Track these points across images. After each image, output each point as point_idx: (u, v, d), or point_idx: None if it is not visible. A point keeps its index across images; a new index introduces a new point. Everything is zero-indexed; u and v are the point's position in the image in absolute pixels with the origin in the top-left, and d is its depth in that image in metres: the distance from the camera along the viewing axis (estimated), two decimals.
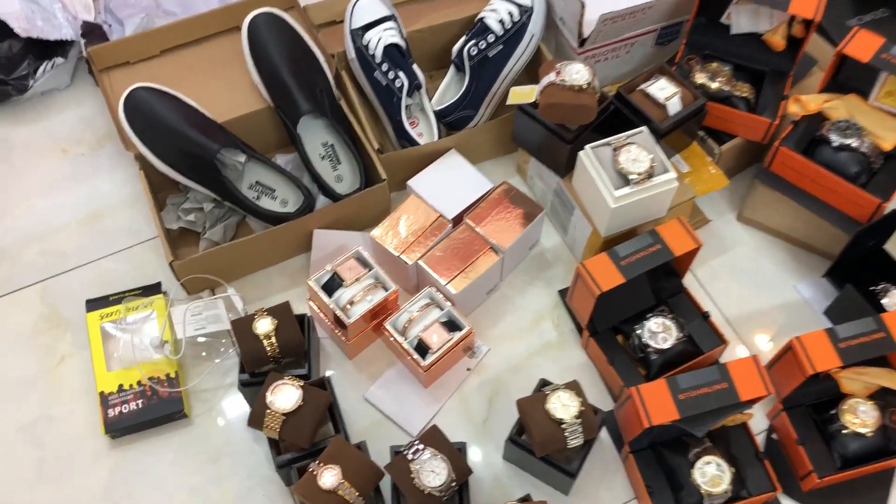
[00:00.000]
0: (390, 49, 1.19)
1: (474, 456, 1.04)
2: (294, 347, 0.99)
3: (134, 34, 1.26)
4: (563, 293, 1.15)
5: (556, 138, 1.07)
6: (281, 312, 1.00)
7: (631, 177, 1.01)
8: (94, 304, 1.11)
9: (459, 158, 1.19)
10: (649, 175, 1.01)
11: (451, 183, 1.17)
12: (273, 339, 0.97)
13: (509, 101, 1.09)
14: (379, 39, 1.19)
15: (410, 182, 1.17)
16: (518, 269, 1.18)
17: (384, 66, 1.19)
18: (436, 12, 1.30)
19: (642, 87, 1.09)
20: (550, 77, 1.04)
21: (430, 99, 1.22)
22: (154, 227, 1.20)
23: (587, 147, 1.04)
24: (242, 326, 0.99)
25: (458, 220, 1.13)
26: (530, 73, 1.26)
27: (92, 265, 1.18)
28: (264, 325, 0.98)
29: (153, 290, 1.13)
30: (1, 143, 1.29)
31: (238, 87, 1.21)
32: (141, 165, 1.15)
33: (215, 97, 1.19)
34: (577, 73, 1.03)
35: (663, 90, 1.08)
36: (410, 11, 1.29)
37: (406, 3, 1.32)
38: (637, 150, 1.02)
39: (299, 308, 1.05)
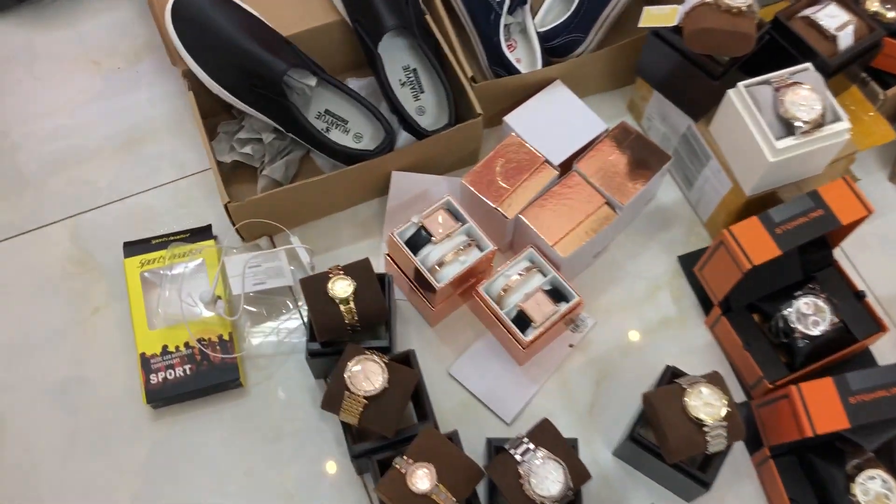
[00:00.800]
0: None
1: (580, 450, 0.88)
2: (375, 314, 0.82)
3: None
4: (683, 259, 0.98)
5: (700, 72, 0.87)
6: (360, 272, 0.83)
7: (797, 124, 0.82)
8: (133, 248, 0.95)
9: (566, 92, 1.00)
10: (819, 124, 0.82)
11: (556, 121, 0.98)
12: (352, 305, 0.81)
13: (642, 24, 0.89)
14: None
15: (507, 118, 0.98)
16: (630, 229, 1.00)
17: None
18: None
19: (806, 12, 0.89)
20: None
21: (535, 15, 1.03)
22: (204, 159, 1.02)
23: (740, 85, 0.84)
24: (314, 287, 0.82)
25: (565, 167, 0.95)
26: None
27: (129, 201, 1.01)
28: (342, 288, 0.81)
29: (203, 234, 0.96)
30: (22, 50, 1.11)
31: None
32: (189, 85, 0.97)
33: (280, 5, 1.00)
34: None
35: (834, 18, 0.88)
36: None
37: None
38: (807, 93, 0.82)
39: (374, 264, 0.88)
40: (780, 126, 0.83)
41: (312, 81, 0.94)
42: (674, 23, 0.86)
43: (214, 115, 1.02)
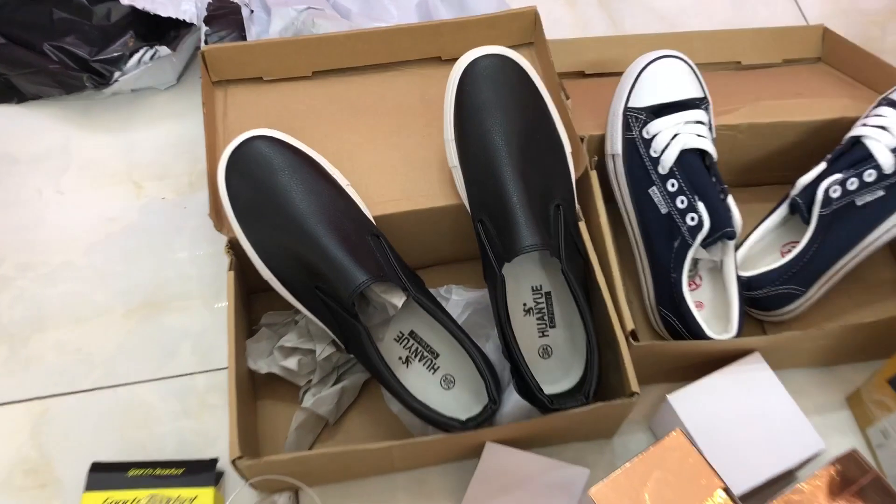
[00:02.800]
0: (690, 158, 0.68)
1: None
2: None
3: (279, 39, 0.80)
4: None
5: None
6: None
7: None
8: (100, 477, 0.66)
9: (767, 374, 0.67)
10: None
11: (746, 418, 0.65)
12: None
13: None
14: (674, 137, 0.68)
15: (673, 398, 0.66)
16: None
17: (672, 184, 0.68)
18: (764, 99, 0.78)
19: None
20: None
21: (738, 248, 0.71)
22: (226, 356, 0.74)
23: None
24: None
25: (749, 498, 0.61)
26: None
27: (123, 390, 0.73)
28: None
29: (203, 472, 0.67)
30: (53, 152, 0.86)
31: (418, 161, 0.73)
32: (233, 261, 0.69)
33: (378, 168, 0.72)
34: None
35: None
36: (718, 85, 0.78)
37: (710, 67, 0.81)
38: None
39: None
40: None
41: (399, 300, 0.64)
42: None
43: (266, 291, 0.74)
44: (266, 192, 0.64)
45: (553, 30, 0.83)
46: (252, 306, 0.75)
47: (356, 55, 0.78)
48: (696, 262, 0.71)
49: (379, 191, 0.71)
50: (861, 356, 0.72)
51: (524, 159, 0.65)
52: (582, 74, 0.87)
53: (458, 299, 0.72)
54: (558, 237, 0.65)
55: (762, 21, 0.97)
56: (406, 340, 0.68)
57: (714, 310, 0.71)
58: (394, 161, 0.73)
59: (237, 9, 0.88)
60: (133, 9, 0.89)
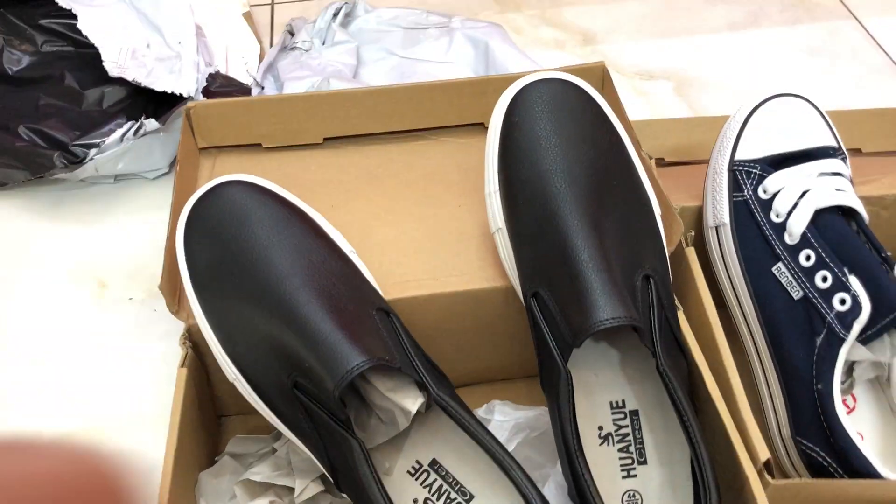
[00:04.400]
0: (830, 219, 0.49)
1: None
2: None
3: (283, 95, 0.66)
4: None
5: None
6: None
7: None
8: None
9: None
10: None
11: None
12: None
13: None
14: (804, 193, 0.49)
15: None
16: None
17: (807, 256, 0.48)
18: None
19: None
20: None
21: None
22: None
23: None
24: None
25: None
26: None
27: None
28: None
29: None
30: (11, 244, 0.70)
31: (450, 235, 0.55)
32: (192, 350, 0.50)
33: (396, 243, 0.54)
34: None
35: None
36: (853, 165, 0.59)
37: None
38: None
39: None
40: None
41: (414, 404, 0.43)
42: None
43: (245, 413, 0.54)
44: (234, 251, 0.46)
45: None
46: (223, 432, 0.55)
47: (379, 118, 0.62)
48: (850, 368, 0.49)
49: (396, 269, 0.52)
50: None
51: (598, 208, 0.46)
52: (661, 162, 0.70)
53: (504, 420, 0.50)
54: (650, 318, 0.45)
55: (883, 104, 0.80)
56: (425, 474, 0.46)
57: (880, 443, 0.48)
58: (418, 235, 0.55)
59: (245, 89, 0.75)
60: (129, 93, 0.77)
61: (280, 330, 0.42)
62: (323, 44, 0.82)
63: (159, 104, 0.74)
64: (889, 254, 0.48)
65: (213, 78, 0.73)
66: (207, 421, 0.52)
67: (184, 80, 0.72)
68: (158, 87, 0.72)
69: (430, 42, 0.82)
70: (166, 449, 0.44)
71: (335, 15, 0.84)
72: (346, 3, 0.85)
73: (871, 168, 0.62)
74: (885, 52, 0.84)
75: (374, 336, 0.42)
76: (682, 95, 0.81)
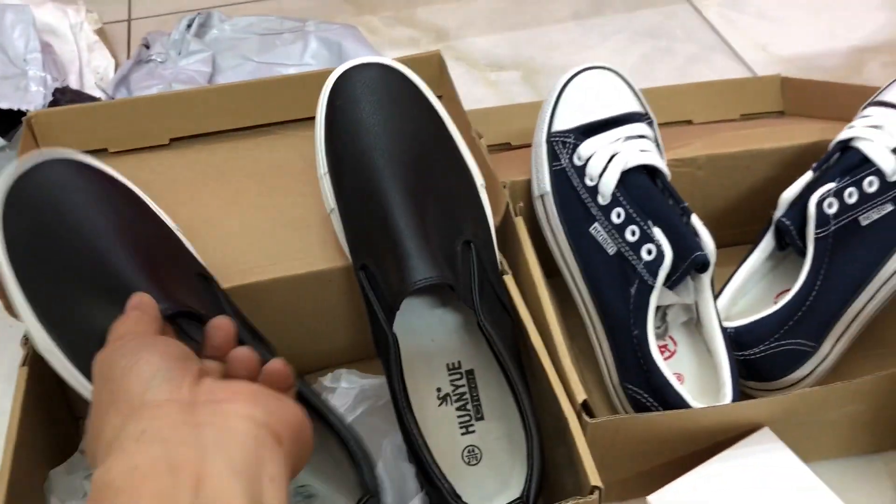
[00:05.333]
0: (636, 178, 0.53)
1: None
2: None
3: (126, 99, 0.67)
4: None
5: None
6: None
7: None
8: None
9: (782, 453, 0.47)
10: None
11: None
12: None
13: None
14: (612, 157, 0.53)
15: (657, 499, 0.46)
16: None
17: (617, 214, 0.52)
18: (722, 132, 0.64)
19: None
20: None
21: (716, 300, 0.53)
22: None
23: None
24: None
25: None
26: None
27: None
28: None
29: None
30: None
31: (294, 221, 0.57)
32: (33, 350, 0.50)
33: (240, 234, 0.56)
34: None
35: None
36: (666, 137, 0.63)
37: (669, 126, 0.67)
38: None
39: None
40: None
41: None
42: None
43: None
44: (51, 221, 0.46)
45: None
46: (84, 433, 0.56)
47: (225, 115, 0.64)
48: (664, 313, 0.53)
49: (239, 258, 0.54)
50: None
51: (417, 182, 0.48)
52: (508, 147, 0.73)
53: (349, 388, 0.52)
54: (470, 279, 0.47)
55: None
56: None
57: (700, 381, 0.52)
58: (261, 223, 0.57)
59: (87, 97, 0.76)
60: None
61: (96, 289, 0.43)
62: (178, 55, 0.83)
63: (5, 121, 0.73)
64: (686, 204, 0.52)
65: (62, 93, 0.73)
66: (59, 421, 0.53)
67: (30, 97, 0.72)
68: (4, 105, 0.72)
69: (286, 46, 0.84)
70: (4, 447, 0.45)
71: (189, 26, 0.85)
72: (199, 14, 0.86)
73: (692, 135, 0.66)
74: (717, 32, 0.90)
75: (191, 296, 0.44)
76: (531, 83, 0.85)
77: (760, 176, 0.62)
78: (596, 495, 0.42)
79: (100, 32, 0.86)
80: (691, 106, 0.75)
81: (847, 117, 0.67)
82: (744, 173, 0.62)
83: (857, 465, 0.53)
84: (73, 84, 0.79)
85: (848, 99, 0.67)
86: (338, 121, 0.51)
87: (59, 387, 0.53)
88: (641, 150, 0.53)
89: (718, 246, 0.52)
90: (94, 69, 0.82)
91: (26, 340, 0.50)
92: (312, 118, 0.65)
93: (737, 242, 0.63)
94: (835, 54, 0.86)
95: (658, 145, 0.56)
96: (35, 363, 0.49)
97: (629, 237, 0.51)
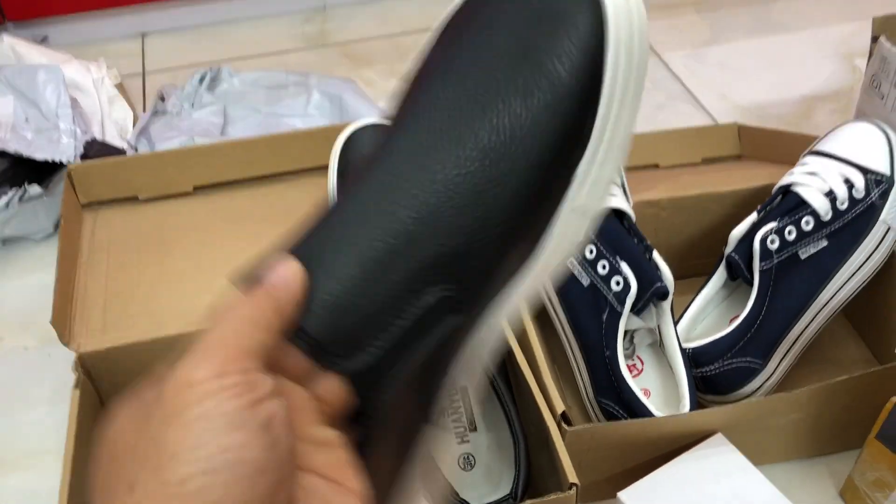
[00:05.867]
0: (606, 221, 0.61)
1: None
2: None
3: (154, 152, 0.75)
4: None
5: None
6: None
7: None
8: None
9: (734, 457, 0.55)
10: None
11: None
12: None
13: None
14: None
15: (627, 496, 0.53)
16: None
17: (590, 250, 0.60)
18: (685, 176, 0.72)
19: None
20: None
21: (676, 324, 0.61)
22: None
23: None
24: None
25: None
26: (887, 299, 0.64)
27: None
28: None
29: None
30: None
31: None
32: (84, 374, 0.57)
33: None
34: None
35: None
36: (634, 182, 0.72)
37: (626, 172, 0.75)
38: None
39: None
40: None
41: None
42: None
43: None
44: None
45: None
46: None
47: (243, 166, 0.72)
48: (631, 337, 0.61)
49: None
50: (847, 437, 0.61)
51: None
52: None
53: None
54: None
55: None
56: None
57: (664, 395, 0.60)
58: None
59: (121, 152, 0.83)
60: (12, 164, 0.83)
61: None
62: (192, 107, 0.91)
63: (41, 171, 0.81)
64: (649, 242, 0.60)
65: (91, 145, 0.81)
66: None
67: (62, 148, 0.80)
68: (39, 157, 0.79)
69: (291, 99, 0.92)
70: (63, 461, 0.52)
71: (201, 80, 0.93)
72: (210, 69, 0.94)
73: (657, 179, 0.75)
74: (681, 81, 1.00)
75: None
76: None
77: (718, 214, 0.70)
78: (573, 491, 0.49)
79: (119, 86, 0.94)
80: (658, 151, 0.84)
81: (794, 161, 0.75)
82: (702, 213, 0.70)
83: (801, 467, 0.61)
84: (97, 135, 0.87)
85: (795, 145, 0.76)
86: (347, 173, 0.59)
87: (103, 407, 0.60)
88: (610, 195, 0.61)
89: (679, 277, 0.61)
90: (114, 121, 0.90)
91: (79, 365, 0.57)
92: (321, 167, 0.74)
93: (695, 274, 0.71)
94: (787, 102, 0.96)
95: (625, 190, 0.64)
96: (85, 389, 0.56)
97: (600, 271, 0.59)
